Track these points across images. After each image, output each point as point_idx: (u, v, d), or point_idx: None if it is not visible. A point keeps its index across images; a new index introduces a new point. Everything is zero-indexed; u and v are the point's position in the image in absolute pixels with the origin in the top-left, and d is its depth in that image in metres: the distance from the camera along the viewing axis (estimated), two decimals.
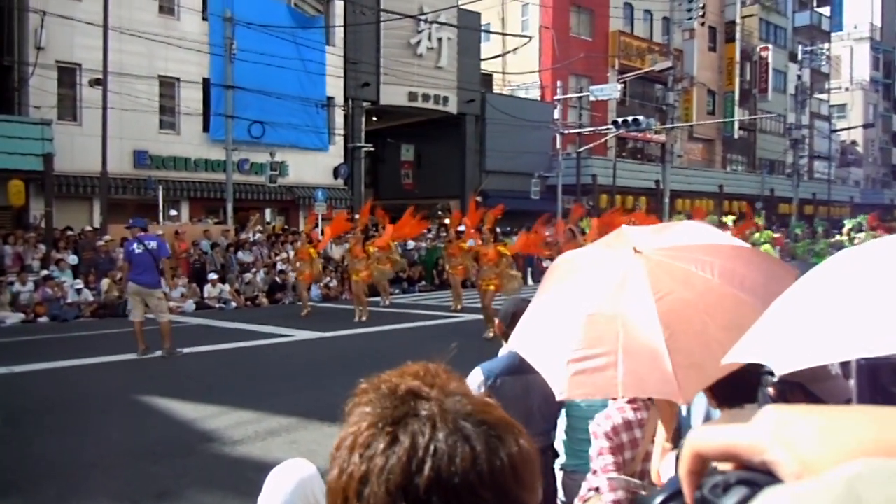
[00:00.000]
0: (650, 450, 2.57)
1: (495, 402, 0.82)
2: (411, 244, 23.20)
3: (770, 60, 46.77)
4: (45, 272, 16.71)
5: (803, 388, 2.35)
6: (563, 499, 3.52)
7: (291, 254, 19.22)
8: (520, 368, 3.26)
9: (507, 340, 3.63)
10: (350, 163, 27.78)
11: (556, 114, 31.40)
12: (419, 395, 0.78)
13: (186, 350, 11.21)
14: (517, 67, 34.49)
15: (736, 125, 43.99)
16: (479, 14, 32.87)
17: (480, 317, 13.66)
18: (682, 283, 1.93)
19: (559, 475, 3.63)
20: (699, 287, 1.93)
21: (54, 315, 15.81)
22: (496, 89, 35.03)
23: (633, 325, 1.88)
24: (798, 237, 28.20)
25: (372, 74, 27.94)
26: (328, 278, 20.57)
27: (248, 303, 18.97)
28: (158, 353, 10.79)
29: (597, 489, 2.71)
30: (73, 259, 17.74)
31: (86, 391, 8.82)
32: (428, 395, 0.78)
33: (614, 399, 2.78)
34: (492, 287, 13.20)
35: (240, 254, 20.48)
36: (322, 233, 18.86)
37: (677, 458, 0.61)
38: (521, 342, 2.22)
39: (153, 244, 10.81)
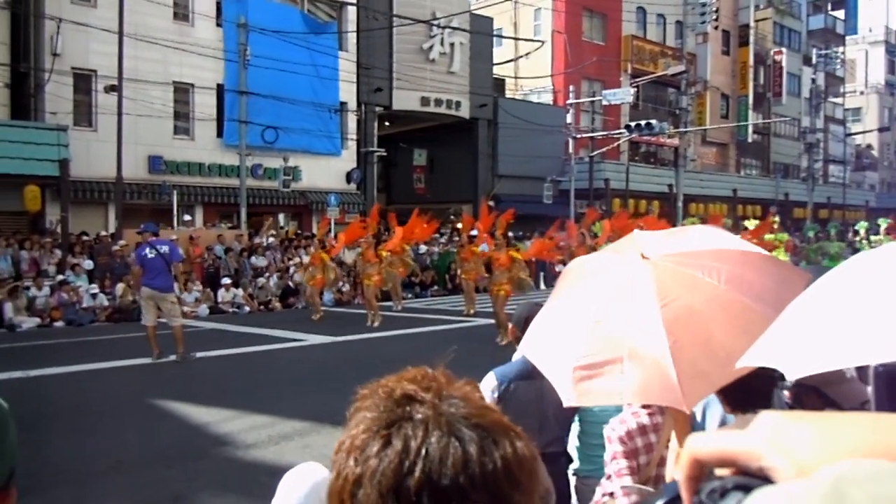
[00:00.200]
0: (665, 455, 2.56)
1: (496, 406, 0.82)
2: (423, 248, 23.20)
3: (784, 64, 46.51)
4: (60, 277, 16.83)
5: (818, 391, 2.35)
6: None
7: (305, 258, 19.27)
8: (533, 373, 3.25)
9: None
10: (363, 168, 27.85)
11: (569, 118, 31.36)
12: (414, 399, 0.79)
13: (200, 354, 11.25)
14: (530, 72, 34.46)
15: (750, 129, 43.80)
16: (491, 19, 32.91)
17: (493, 321, 13.65)
18: (688, 290, 1.93)
19: (572, 480, 3.62)
20: (706, 294, 1.93)
21: (70, 319, 15.92)
22: (509, 94, 35.02)
23: (638, 333, 1.88)
24: (811, 240, 27.98)
25: (385, 79, 28.01)
26: (341, 283, 20.60)
27: (262, 307, 19.03)
28: (172, 357, 10.83)
29: (611, 494, 2.70)
30: (88, 264, 17.86)
31: (100, 395, 8.88)
32: (423, 399, 0.78)
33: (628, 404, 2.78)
34: (502, 292, 13.18)
35: (253, 258, 20.56)
36: (336, 238, 18.89)
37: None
38: (531, 348, 2.22)
39: (165, 248, 10.84)
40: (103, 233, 19.72)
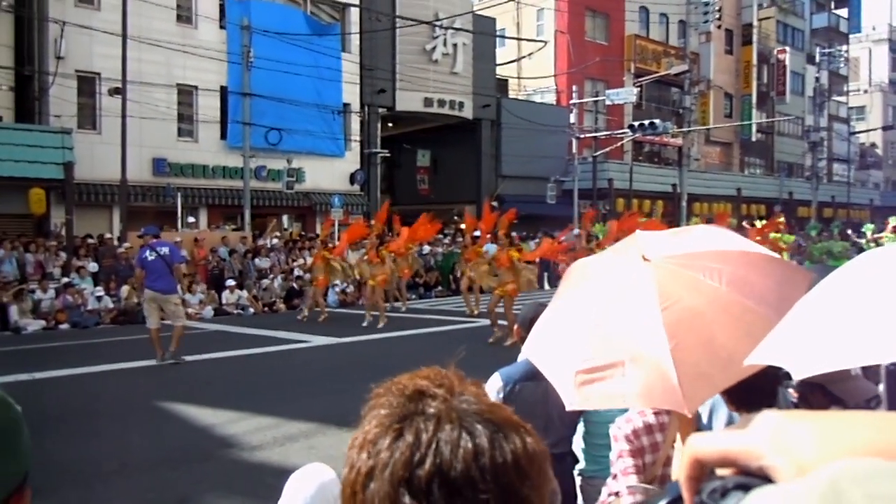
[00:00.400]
0: (671, 454, 2.56)
1: (505, 405, 0.83)
2: (426, 248, 23.19)
3: (787, 63, 46.43)
4: (65, 279, 16.85)
5: (823, 388, 2.35)
6: None
7: (309, 260, 19.25)
8: (539, 374, 3.25)
9: None
10: (366, 169, 27.87)
11: (572, 118, 31.35)
12: (426, 394, 0.80)
13: (205, 356, 11.27)
14: (532, 72, 34.43)
15: (753, 128, 43.71)
16: (494, 19, 32.89)
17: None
18: (689, 292, 1.93)
19: (578, 481, 3.63)
20: (707, 295, 1.92)
21: (75, 322, 15.95)
22: (512, 94, 35.00)
23: (639, 335, 1.88)
24: (814, 239, 27.86)
25: (388, 81, 28.02)
26: (345, 283, 20.58)
27: (266, 309, 19.04)
28: (169, 356, 10.83)
29: (616, 493, 2.70)
30: (93, 266, 17.88)
31: (105, 397, 8.89)
32: (435, 394, 0.80)
33: None
34: (504, 293, 13.17)
35: (257, 260, 20.57)
36: (338, 239, 18.89)
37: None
38: (534, 350, 2.22)
39: (165, 250, 10.80)
40: (108, 235, 19.72)
